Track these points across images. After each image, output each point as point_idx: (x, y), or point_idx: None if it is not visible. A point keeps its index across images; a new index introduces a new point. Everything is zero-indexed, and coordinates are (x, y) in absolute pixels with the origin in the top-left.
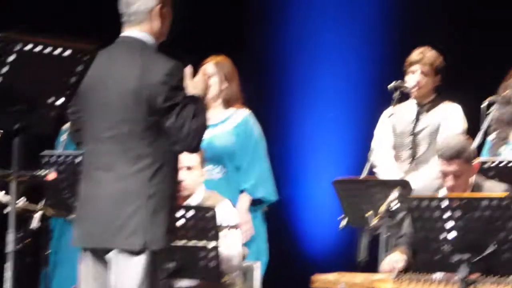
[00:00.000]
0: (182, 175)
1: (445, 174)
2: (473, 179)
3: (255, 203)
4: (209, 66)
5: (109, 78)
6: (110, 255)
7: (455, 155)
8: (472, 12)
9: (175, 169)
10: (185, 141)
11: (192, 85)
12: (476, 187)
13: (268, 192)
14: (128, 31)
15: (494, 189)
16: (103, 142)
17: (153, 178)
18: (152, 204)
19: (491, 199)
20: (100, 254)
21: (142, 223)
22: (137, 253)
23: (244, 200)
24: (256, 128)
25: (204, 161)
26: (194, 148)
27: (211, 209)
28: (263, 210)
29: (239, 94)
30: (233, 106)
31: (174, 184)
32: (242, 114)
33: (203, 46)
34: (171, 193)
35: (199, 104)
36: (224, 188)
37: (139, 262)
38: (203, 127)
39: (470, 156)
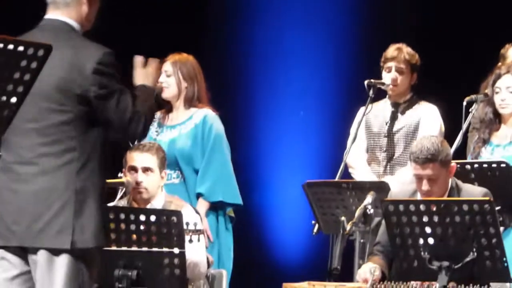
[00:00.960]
0: (139, 176)
1: (419, 179)
2: (450, 182)
3: (217, 208)
4: (167, 65)
5: None
6: (35, 255)
7: (429, 159)
8: (448, 8)
9: (105, 164)
10: (127, 128)
11: (143, 75)
12: (454, 191)
13: (227, 194)
14: (53, 14)
15: (474, 192)
16: (26, 134)
17: (80, 172)
18: (80, 200)
19: (471, 203)
20: (21, 253)
21: (70, 221)
22: (64, 252)
23: (201, 205)
24: (215, 128)
25: (164, 164)
26: (138, 135)
27: (176, 212)
28: (227, 214)
29: (203, 94)
30: (195, 107)
31: (103, 180)
32: (201, 114)
33: (164, 47)
34: (100, 189)
35: (141, 92)
36: (183, 194)
37: (65, 262)
38: (147, 114)
39: (445, 158)
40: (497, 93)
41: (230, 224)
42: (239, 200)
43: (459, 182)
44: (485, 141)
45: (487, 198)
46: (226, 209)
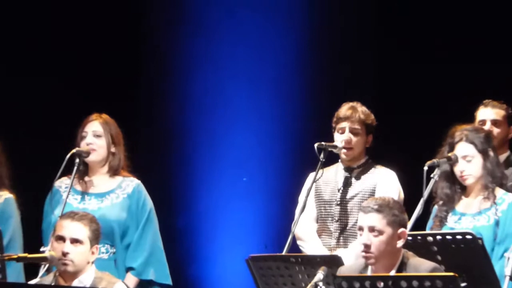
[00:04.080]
0: (66, 247)
1: (360, 229)
2: (402, 254)
3: (143, 286)
4: (95, 125)
5: None
6: None
7: (374, 209)
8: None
9: None
10: None
11: None
12: (402, 265)
13: (159, 274)
14: None
15: (420, 268)
16: None
17: None
18: None
19: (433, 279)
20: None
21: None
22: None
23: (130, 281)
24: (148, 200)
25: (98, 238)
26: None
27: None
28: None
29: (125, 161)
30: (119, 174)
31: None
32: (132, 184)
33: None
34: None
35: None
36: (112, 271)
37: None
38: None
39: (394, 219)
40: (456, 164)
41: None
42: (169, 280)
43: (410, 255)
44: (442, 220)
45: (451, 274)
46: None
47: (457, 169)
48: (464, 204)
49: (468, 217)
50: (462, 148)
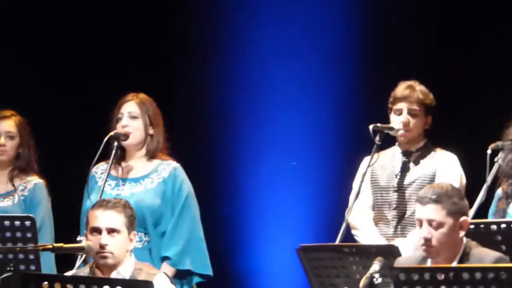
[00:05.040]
0: (104, 239)
1: (419, 222)
2: (464, 244)
3: (181, 276)
4: (131, 105)
5: None
6: None
7: (432, 199)
8: (467, 40)
9: None
10: None
11: None
12: (464, 256)
13: (198, 264)
14: None
15: (484, 259)
16: None
17: None
18: None
19: (497, 271)
20: None
21: None
22: None
23: (166, 271)
24: (186, 185)
25: (134, 223)
26: None
27: (147, 283)
28: (192, 287)
29: (164, 143)
30: (157, 158)
31: None
32: (168, 167)
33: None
34: None
35: None
36: (147, 260)
37: None
38: None
39: (454, 208)
40: None
41: None
42: (209, 271)
43: (473, 245)
44: (509, 196)
45: (501, 265)
46: (193, 280)
47: None
48: None
49: None
50: None
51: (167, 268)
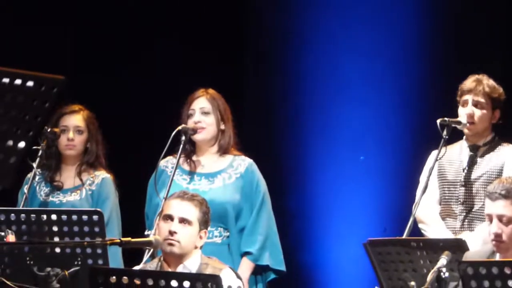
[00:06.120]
0: (174, 226)
1: (489, 218)
2: None
3: (257, 272)
4: (202, 101)
5: None
6: None
7: (502, 195)
8: None
9: None
10: None
11: None
12: None
13: (274, 260)
14: None
15: None
16: None
17: None
18: None
19: None
20: None
21: None
22: None
23: (246, 267)
24: (262, 181)
25: (208, 222)
26: None
27: (214, 277)
28: (266, 283)
29: (235, 138)
30: (229, 153)
31: None
32: (244, 163)
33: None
34: None
35: None
36: (225, 256)
37: None
38: None
39: None
40: None
41: None
42: (283, 267)
43: None
44: None
45: None
46: (268, 276)
47: None
48: None
49: None
50: None
51: (248, 264)
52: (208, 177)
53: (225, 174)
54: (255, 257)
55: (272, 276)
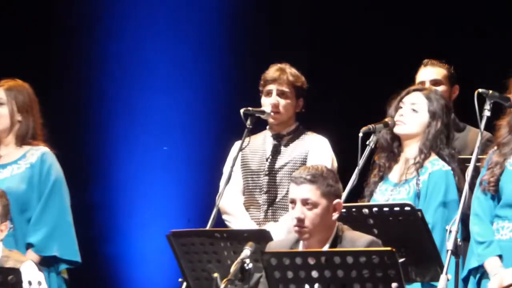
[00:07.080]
0: None
1: (292, 202)
2: (336, 227)
3: (48, 263)
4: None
5: None
6: None
7: (307, 179)
8: (340, 27)
9: None
10: None
11: None
12: (338, 239)
13: (65, 250)
14: None
15: (357, 242)
16: None
17: None
18: None
19: (369, 254)
20: None
21: None
22: None
23: (31, 259)
24: (55, 169)
25: (7, 214)
26: None
27: (14, 270)
28: (61, 275)
29: (38, 130)
30: (28, 144)
31: None
32: (37, 153)
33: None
34: None
35: None
36: (11, 248)
37: None
38: None
39: (329, 189)
40: (400, 108)
41: (64, 287)
42: (77, 257)
43: (345, 228)
44: (382, 177)
45: (388, 249)
46: (60, 266)
47: (397, 114)
48: (395, 170)
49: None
50: (415, 96)
51: (32, 255)
52: (1, 168)
53: (15, 165)
54: (38, 248)
55: (64, 266)
